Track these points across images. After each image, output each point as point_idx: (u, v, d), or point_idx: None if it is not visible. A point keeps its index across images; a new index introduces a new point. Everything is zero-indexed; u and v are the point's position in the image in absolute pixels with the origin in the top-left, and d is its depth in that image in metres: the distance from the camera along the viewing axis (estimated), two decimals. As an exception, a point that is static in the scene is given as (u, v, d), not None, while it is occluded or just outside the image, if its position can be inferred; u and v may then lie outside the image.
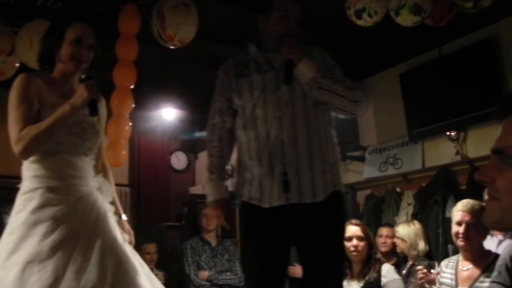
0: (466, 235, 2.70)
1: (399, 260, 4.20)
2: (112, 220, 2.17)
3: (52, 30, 2.30)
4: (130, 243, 2.24)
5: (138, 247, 2.38)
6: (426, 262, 3.20)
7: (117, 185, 2.47)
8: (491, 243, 3.19)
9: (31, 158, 2.09)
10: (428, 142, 4.89)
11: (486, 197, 3.34)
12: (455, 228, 2.77)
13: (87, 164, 2.21)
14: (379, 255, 4.08)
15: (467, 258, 2.75)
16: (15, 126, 2.05)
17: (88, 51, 2.23)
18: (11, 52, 3.75)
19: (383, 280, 3.42)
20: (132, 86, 3.82)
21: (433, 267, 3.02)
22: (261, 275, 2.20)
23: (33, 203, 2.02)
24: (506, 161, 0.98)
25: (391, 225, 4.42)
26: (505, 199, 0.97)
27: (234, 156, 2.44)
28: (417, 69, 4.90)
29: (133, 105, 3.88)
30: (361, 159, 5.38)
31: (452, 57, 4.59)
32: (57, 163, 2.10)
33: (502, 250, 2.22)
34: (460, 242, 2.75)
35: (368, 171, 5.30)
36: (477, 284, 2.59)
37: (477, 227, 2.67)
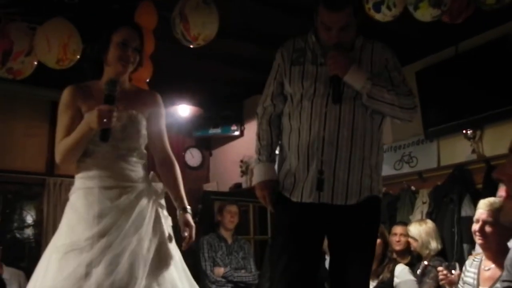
0: (483, 233, 2.68)
1: (413, 258, 4.18)
2: (152, 219, 2.17)
3: (98, 35, 2.32)
4: (189, 237, 2.25)
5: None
6: (446, 263, 3.15)
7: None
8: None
9: (78, 160, 2.19)
10: (444, 140, 4.85)
11: (500, 193, 3.29)
12: (474, 226, 2.75)
13: (131, 163, 2.22)
14: (394, 255, 4.06)
15: (489, 258, 2.71)
16: (57, 138, 2.19)
17: (133, 53, 2.26)
18: (29, 52, 3.76)
19: (396, 280, 3.39)
20: (147, 80, 3.84)
21: (454, 267, 2.98)
22: (288, 270, 2.13)
23: (78, 203, 2.12)
24: None
25: (405, 223, 4.39)
26: None
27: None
28: (434, 67, 4.87)
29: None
30: (376, 157, 5.34)
31: (469, 54, 4.54)
32: (96, 165, 2.16)
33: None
34: (478, 240, 2.72)
35: (383, 169, 5.24)
36: (497, 284, 2.53)
37: (496, 226, 2.62)
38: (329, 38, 2.20)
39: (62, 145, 2.16)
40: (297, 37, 2.38)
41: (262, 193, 2.30)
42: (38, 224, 6.08)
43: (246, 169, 6.32)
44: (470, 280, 2.76)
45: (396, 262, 3.79)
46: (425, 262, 3.82)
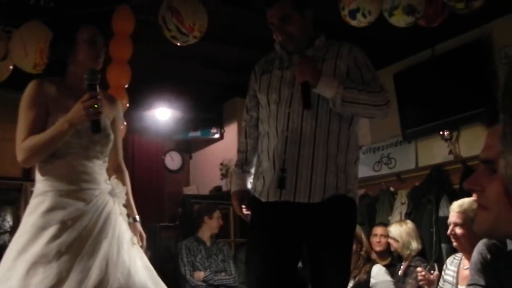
0: (454, 234, 2.71)
1: (394, 259, 4.21)
2: (121, 223, 2.18)
3: (60, 35, 2.28)
4: (141, 246, 2.26)
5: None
6: (425, 264, 3.18)
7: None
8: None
9: (43, 161, 2.12)
10: (421, 142, 4.91)
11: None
12: (449, 228, 2.79)
13: (99, 167, 2.21)
14: (374, 255, 4.09)
15: (467, 258, 2.73)
16: (20, 135, 2.11)
17: (101, 50, 2.26)
18: (5, 57, 3.74)
19: (372, 281, 3.41)
20: (126, 86, 3.82)
21: (433, 268, 3.01)
22: (263, 271, 2.15)
23: (43, 206, 2.05)
24: (494, 170, 0.94)
25: (385, 224, 4.43)
26: (496, 208, 0.94)
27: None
28: (411, 69, 4.93)
29: (128, 105, 3.87)
30: (355, 158, 5.38)
31: (445, 57, 4.61)
32: (67, 166, 2.11)
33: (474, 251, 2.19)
34: (453, 242, 2.76)
35: (362, 170, 5.28)
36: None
37: (465, 227, 2.64)
38: (276, 36, 2.29)
39: (30, 142, 2.06)
40: (272, 51, 2.45)
41: (234, 202, 2.42)
42: (15, 229, 5.95)
43: (226, 172, 6.30)
44: (450, 279, 2.79)
45: (373, 263, 3.81)
46: (407, 263, 3.86)
